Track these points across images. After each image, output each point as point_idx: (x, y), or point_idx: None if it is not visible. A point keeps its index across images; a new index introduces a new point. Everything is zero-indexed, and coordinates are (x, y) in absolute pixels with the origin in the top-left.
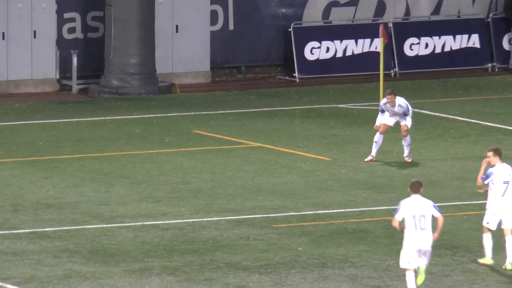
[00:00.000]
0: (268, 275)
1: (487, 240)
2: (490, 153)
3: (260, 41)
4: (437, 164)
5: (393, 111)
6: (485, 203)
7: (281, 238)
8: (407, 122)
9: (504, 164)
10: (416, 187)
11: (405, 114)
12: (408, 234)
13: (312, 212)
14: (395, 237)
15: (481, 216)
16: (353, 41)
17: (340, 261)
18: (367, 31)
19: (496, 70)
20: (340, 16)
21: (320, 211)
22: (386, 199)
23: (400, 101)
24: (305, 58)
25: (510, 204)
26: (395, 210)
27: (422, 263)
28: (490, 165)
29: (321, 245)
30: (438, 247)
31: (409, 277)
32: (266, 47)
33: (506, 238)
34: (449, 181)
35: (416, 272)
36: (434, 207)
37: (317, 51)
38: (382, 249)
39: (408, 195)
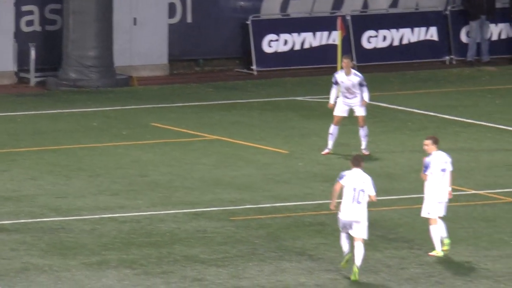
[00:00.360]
0: (226, 268)
1: (434, 231)
2: (429, 142)
3: (218, 34)
4: (394, 157)
5: (348, 82)
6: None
7: (239, 231)
8: (365, 96)
9: (440, 151)
10: (357, 161)
11: (361, 85)
12: (344, 204)
13: (269, 205)
14: None
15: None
16: (311, 34)
17: (297, 254)
18: (325, 24)
19: (454, 62)
20: (298, 8)
21: (278, 204)
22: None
23: (355, 71)
24: (263, 51)
25: (446, 192)
26: (339, 176)
27: (355, 233)
28: (426, 154)
29: (278, 238)
30: (395, 240)
31: (343, 238)
32: (224, 40)
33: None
34: (407, 174)
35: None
36: (372, 184)
37: (275, 44)
38: (339, 242)
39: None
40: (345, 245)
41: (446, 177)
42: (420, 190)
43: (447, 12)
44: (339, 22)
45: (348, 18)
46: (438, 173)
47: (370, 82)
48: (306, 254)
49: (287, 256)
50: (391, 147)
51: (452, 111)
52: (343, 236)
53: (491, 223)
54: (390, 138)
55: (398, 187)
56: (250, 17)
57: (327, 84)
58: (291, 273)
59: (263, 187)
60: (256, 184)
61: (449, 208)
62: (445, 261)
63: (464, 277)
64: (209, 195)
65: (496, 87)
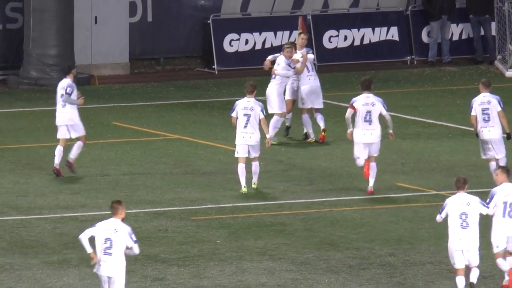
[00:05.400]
0: (187, 268)
1: (241, 170)
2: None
3: (179, 32)
4: None
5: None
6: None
7: (200, 231)
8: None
9: (247, 98)
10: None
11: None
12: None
13: (230, 205)
14: (313, 230)
15: (400, 209)
16: (272, 33)
17: (258, 254)
18: (286, 23)
19: (415, 62)
20: (259, 8)
21: (239, 204)
22: (304, 192)
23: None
24: (224, 50)
25: (253, 136)
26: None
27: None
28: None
29: (239, 238)
30: (356, 240)
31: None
32: (185, 38)
33: (252, 163)
34: None
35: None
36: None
37: (236, 43)
38: (300, 242)
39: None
40: None
41: (250, 122)
42: (382, 190)
43: (408, 12)
44: (300, 21)
45: (309, 17)
46: (242, 118)
47: (330, 82)
48: (267, 254)
49: (248, 256)
50: (352, 147)
51: (413, 111)
52: None
53: None
54: None
55: (360, 186)
56: (211, 16)
57: None
58: (252, 273)
59: (224, 187)
60: (217, 183)
61: (410, 209)
62: (407, 262)
63: (426, 278)
64: (170, 194)
65: (457, 87)
